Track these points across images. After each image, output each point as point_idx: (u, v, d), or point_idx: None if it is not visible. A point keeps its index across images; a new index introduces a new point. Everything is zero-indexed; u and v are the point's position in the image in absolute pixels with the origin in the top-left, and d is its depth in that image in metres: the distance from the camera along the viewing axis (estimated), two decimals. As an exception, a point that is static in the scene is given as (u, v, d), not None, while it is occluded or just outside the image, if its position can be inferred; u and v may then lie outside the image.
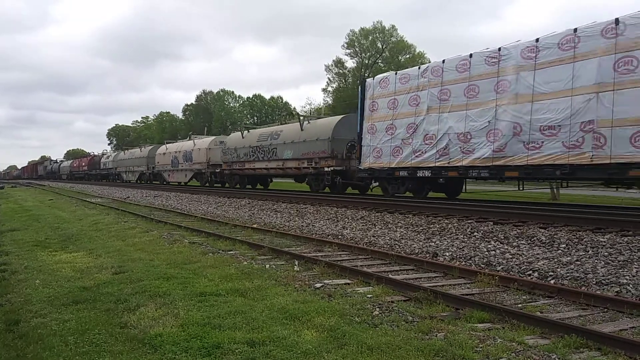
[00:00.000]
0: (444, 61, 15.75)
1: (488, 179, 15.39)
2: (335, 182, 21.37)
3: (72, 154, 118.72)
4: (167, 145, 42.43)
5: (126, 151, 52.75)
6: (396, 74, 17.61)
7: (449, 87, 15.26)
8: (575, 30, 12.21)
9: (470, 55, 14.78)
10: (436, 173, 15.61)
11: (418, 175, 16.20)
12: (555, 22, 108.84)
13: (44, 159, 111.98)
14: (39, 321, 5.82)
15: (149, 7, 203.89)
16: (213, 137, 35.48)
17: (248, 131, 29.88)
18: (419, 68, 16.89)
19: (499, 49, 14.03)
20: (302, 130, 23.52)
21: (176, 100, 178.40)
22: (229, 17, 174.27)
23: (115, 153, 56.56)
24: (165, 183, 39.94)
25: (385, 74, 18.42)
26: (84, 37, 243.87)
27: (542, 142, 12.60)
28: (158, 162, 41.28)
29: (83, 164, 63.68)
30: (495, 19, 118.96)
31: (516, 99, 13.33)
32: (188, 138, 40.86)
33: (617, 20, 11.36)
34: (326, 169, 21.30)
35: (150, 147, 46.42)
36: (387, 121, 17.40)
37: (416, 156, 16.15)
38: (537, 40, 13.08)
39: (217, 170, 32.02)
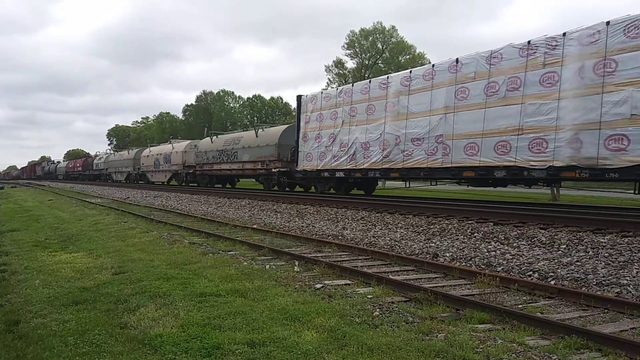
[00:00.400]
0: (353, 84, 19.78)
1: (380, 178, 20.12)
2: (281, 181, 24.80)
3: (71, 154, 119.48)
4: (150, 148, 46.31)
5: (116, 153, 56.41)
6: (322, 93, 21.52)
7: (356, 106, 19.00)
8: (433, 65, 16.29)
9: (370, 81, 18.75)
10: (347, 174, 19.47)
11: (336, 175, 20.00)
12: (552, 23, 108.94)
13: (43, 159, 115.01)
14: (39, 322, 5.81)
15: (147, 7, 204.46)
16: (189, 142, 39.17)
17: (217, 137, 33.64)
18: (337, 89, 20.92)
19: (387, 77, 18.06)
20: (257, 137, 27.67)
21: (175, 100, 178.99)
22: (228, 17, 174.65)
23: (106, 155, 59.97)
24: (148, 182, 43.18)
25: (314, 93, 22.07)
26: (83, 38, 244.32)
27: (413, 150, 16.27)
28: (143, 164, 44.82)
29: (78, 164, 67.05)
30: (492, 20, 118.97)
31: (397, 117, 17.05)
32: (168, 142, 44.54)
33: (457, 60, 15.20)
34: (274, 170, 24.87)
35: (137, 149, 49.60)
36: (315, 131, 20.98)
37: (334, 160, 19.80)
38: (410, 71, 17.02)
39: (191, 171, 35.51)
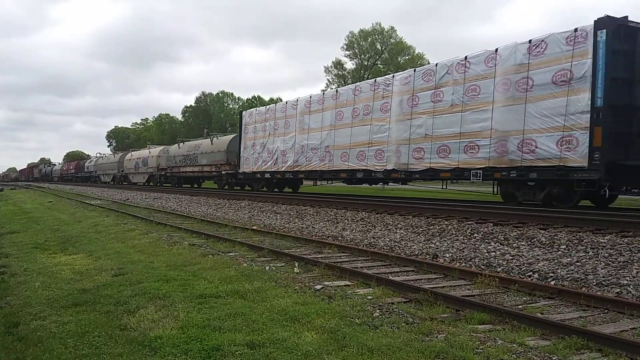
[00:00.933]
0: (276, 104, 25.44)
1: (291, 179, 24.68)
2: (229, 181, 30.41)
3: (70, 156, 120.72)
4: (132, 152, 51.88)
5: (103, 157, 61.42)
6: (256, 110, 27.34)
7: (278, 121, 24.35)
8: (324, 93, 22.55)
9: (286, 103, 24.34)
10: (272, 175, 24.60)
11: (265, 176, 25.23)
12: (549, 24, 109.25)
13: (42, 161, 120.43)
14: (38, 323, 5.80)
15: (145, 9, 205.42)
16: (162, 147, 44.81)
17: (183, 143, 39.00)
18: (266, 108, 26.48)
19: (297, 99, 23.26)
20: (212, 144, 32.76)
21: (174, 102, 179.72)
22: (226, 20, 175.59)
23: (95, 158, 64.56)
24: (130, 183, 47.97)
25: (251, 110, 28.38)
26: (81, 39, 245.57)
27: (312, 157, 21.48)
28: (125, 167, 49.72)
29: (71, 167, 72.71)
30: (489, 21, 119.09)
31: (302, 131, 22.33)
32: (147, 147, 50.55)
33: (337, 90, 21.32)
34: (223, 172, 30.18)
35: (121, 154, 54.89)
36: (252, 141, 26.30)
37: (264, 164, 24.95)
38: (310, 96, 22.42)
39: (163, 173, 40.81)
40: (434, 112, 15.75)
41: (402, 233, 11.33)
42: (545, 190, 13.21)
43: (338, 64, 67.12)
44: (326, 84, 67.87)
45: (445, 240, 10.20)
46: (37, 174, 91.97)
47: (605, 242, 8.61)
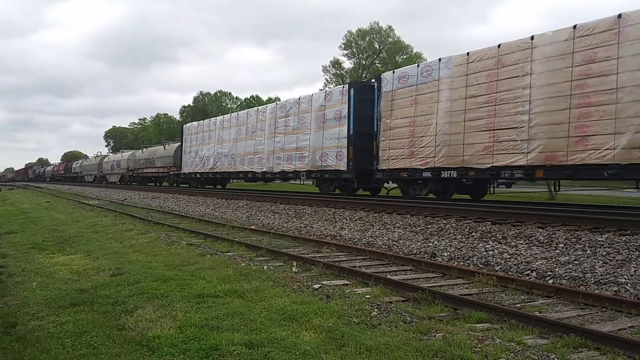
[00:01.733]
0: (203, 121, 33.41)
1: (213, 178, 32.18)
2: (176, 180, 37.50)
3: (69, 156, 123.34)
4: (109, 156, 61.07)
5: (87, 159, 69.98)
6: (192, 124, 35.36)
7: (204, 134, 31.59)
8: (230, 115, 29.47)
9: (210, 120, 32.20)
10: (201, 175, 32.20)
11: (197, 176, 32.91)
12: (543, 24, 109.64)
13: (40, 161, 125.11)
14: (36, 324, 5.79)
15: (141, 10, 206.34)
16: (131, 152, 52.86)
17: (147, 148, 47.81)
18: (198, 123, 33.90)
19: (216, 119, 31.33)
20: (164, 149, 40.89)
21: (171, 102, 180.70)
22: (222, 20, 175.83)
23: (81, 161, 73.74)
24: (107, 182, 54.77)
25: (189, 124, 36.56)
26: (78, 41, 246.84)
27: (224, 161, 28.52)
28: (104, 168, 57.24)
29: (61, 168, 80.00)
30: (483, 22, 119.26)
31: (219, 142, 29.57)
32: (120, 152, 59.64)
33: (237, 113, 28.40)
34: (172, 172, 38.24)
35: (101, 157, 61.52)
36: (189, 148, 33.82)
37: (196, 166, 32.36)
38: (223, 117, 30.24)
39: (130, 173, 48.64)
40: (285, 133, 22.81)
41: (400, 232, 11.33)
42: (334, 184, 20.73)
43: (336, 64, 67.10)
44: (324, 83, 67.80)
45: (443, 239, 10.20)
46: (32, 175, 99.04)
47: (603, 241, 8.62)
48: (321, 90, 21.93)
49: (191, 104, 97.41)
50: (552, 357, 4.30)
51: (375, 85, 18.24)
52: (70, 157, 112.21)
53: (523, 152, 12.87)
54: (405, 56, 62.79)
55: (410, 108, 16.34)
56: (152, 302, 6.25)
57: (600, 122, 11.30)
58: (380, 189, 21.05)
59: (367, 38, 63.88)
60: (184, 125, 37.52)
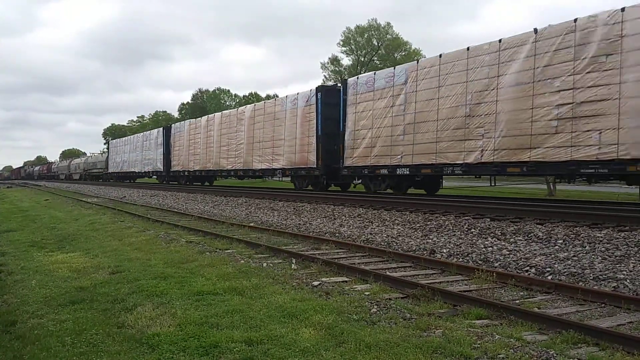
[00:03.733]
0: (143, 133, 44.42)
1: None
2: (105, 177, 52.56)
3: (66, 154, 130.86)
4: (74, 159, 78.19)
5: (61, 162, 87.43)
6: (125, 138, 47.54)
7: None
8: (157, 131, 40.40)
9: (143, 134, 43.65)
10: (120, 173, 48.68)
11: (115, 174, 49.10)
12: (533, 21, 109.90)
13: (40, 159, 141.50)
14: (35, 322, 5.79)
15: (134, 10, 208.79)
16: (86, 157, 71.00)
17: (93, 155, 65.51)
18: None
19: (149, 132, 42.96)
20: (102, 156, 54.08)
21: (166, 99, 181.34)
22: (215, 18, 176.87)
23: (57, 163, 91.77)
24: (72, 179, 68.75)
25: (118, 139, 53.22)
26: (71, 40, 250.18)
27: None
28: (71, 169, 73.26)
29: (45, 169, 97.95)
30: (473, 20, 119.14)
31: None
32: (80, 157, 78.58)
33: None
34: (103, 172, 54.57)
35: (70, 160, 79.42)
36: (115, 155, 49.76)
37: (116, 168, 49.24)
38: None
39: (84, 172, 63.71)
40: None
41: (399, 229, 11.34)
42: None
43: (334, 60, 66.91)
44: (323, 80, 67.68)
45: (442, 236, 10.21)
46: (23, 174, 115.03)
47: (602, 237, 8.63)
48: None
49: (190, 102, 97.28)
50: (551, 352, 4.30)
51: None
52: (69, 155, 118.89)
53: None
54: (403, 53, 62.66)
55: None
56: (151, 299, 6.25)
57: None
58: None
59: (366, 35, 63.73)
60: (110, 141, 59.37)
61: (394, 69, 17.30)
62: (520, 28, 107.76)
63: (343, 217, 13.69)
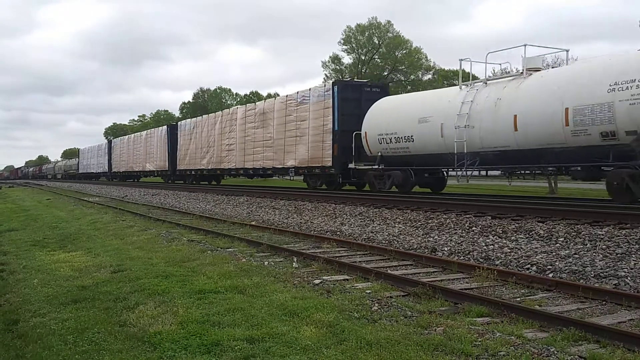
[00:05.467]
0: (128, 136, 51.87)
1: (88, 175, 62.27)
2: (77, 176, 66.43)
3: (67, 154, 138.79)
4: (58, 162, 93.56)
5: (49, 164, 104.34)
6: (126, 137, 52.60)
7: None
8: (114, 140, 55.94)
9: (130, 137, 50.04)
10: (86, 173, 63.51)
11: (84, 174, 64.52)
12: (525, 22, 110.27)
13: (41, 159, 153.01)
14: (38, 320, 5.81)
15: (129, 10, 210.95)
16: (66, 160, 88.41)
17: (69, 160, 74.39)
18: (91, 146, 61.22)
19: (127, 136, 51.56)
20: (75, 161, 69.37)
21: (165, 99, 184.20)
22: (210, 19, 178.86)
23: (46, 165, 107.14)
24: (56, 179, 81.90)
25: (85, 147, 69.32)
26: (69, 41, 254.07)
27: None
28: (55, 170, 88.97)
29: (37, 170, 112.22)
30: (466, 20, 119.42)
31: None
32: (61, 160, 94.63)
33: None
34: (76, 172, 70.18)
35: (54, 163, 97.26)
36: (82, 160, 66.80)
37: (84, 169, 65.43)
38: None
39: (65, 173, 78.32)
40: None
41: (400, 227, 11.34)
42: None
43: (335, 59, 66.80)
44: (324, 78, 67.65)
45: (443, 234, 10.22)
46: (20, 174, 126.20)
47: (603, 234, 8.62)
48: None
49: (191, 101, 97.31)
50: (551, 350, 4.31)
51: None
52: (70, 154, 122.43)
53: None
54: (404, 51, 62.62)
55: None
56: (153, 298, 6.27)
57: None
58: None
59: (367, 33, 63.63)
60: (80, 149, 71.69)
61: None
62: (513, 28, 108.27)
63: (344, 215, 13.70)
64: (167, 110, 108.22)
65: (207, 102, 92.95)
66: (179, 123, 38.02)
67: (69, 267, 8.68)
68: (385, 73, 61.99)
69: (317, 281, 6.89)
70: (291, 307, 5.60)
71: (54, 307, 6.28)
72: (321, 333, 4.83)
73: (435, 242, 9.59)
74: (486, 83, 14.61)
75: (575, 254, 7.81)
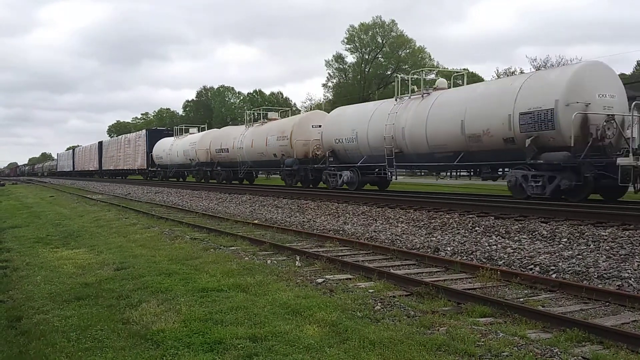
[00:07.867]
0: (122, 136, 57.52)
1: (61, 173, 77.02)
2: (56, 173, 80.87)
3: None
4: (45, 163, 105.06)
5: (40, 164, 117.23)
6: (116, 138, 60.93)
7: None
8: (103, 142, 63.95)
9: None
10: (64, 171, 76.70)
11: (60, 171, 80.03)
12: (520, 22, 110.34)
13: (45, 156, 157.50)
14: (41, 317, 5.82)
15: (127, 9, 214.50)
16: (50, 161, 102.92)
17: (52, 160, 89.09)
18: (120, 137, 58.99)
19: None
20: (54, 162, 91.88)
21: (164, 97, 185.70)
22: (208, 18, 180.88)
23: (36, 165, 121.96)
24: (42, 177, 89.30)
25: (63, 151, 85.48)
26: (68, 39, 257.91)
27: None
28: (43, 168, 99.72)
29: (31, 168, 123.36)
30: (460, 20, 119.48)
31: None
32: (47, 161, 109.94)
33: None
34: (55, 171, 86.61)
35: (43, 163, 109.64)
36: (58, 162, 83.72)
37: (62, 169, 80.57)
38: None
39: (48, 171, 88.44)
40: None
41: (403, 227, 11.33)
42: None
43: (339, 58, 66.71)
44: (327, 77, 67.62)
45: (446, 234, 10.20)
46: (18, 172, 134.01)
47: (606, 235, 8.60)
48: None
49: (194, 99, 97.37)
50: (555, 351, 4.30)
51: None
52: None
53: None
54: (408, 50, 62.54)
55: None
56: (156, 296, 6.27)
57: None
58: None
59: (370, 32, 63.55)
60: (58, 153, 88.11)
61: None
62: (508, 27, 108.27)
63: (347, 214, 13.70)
64: (169, 109, 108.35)
65: (210, 100, 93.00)
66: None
67: (72, 265, 8.69)
68: (389, 72, 61.86)
69: (319, 280, 6.89)
70: (294, 305, 5.60)
71: (57, 304, 6.29)
72: (324, 332, 4.83)
73: (438, 241, 9.58)
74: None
75: (578, 254, 7.80)
